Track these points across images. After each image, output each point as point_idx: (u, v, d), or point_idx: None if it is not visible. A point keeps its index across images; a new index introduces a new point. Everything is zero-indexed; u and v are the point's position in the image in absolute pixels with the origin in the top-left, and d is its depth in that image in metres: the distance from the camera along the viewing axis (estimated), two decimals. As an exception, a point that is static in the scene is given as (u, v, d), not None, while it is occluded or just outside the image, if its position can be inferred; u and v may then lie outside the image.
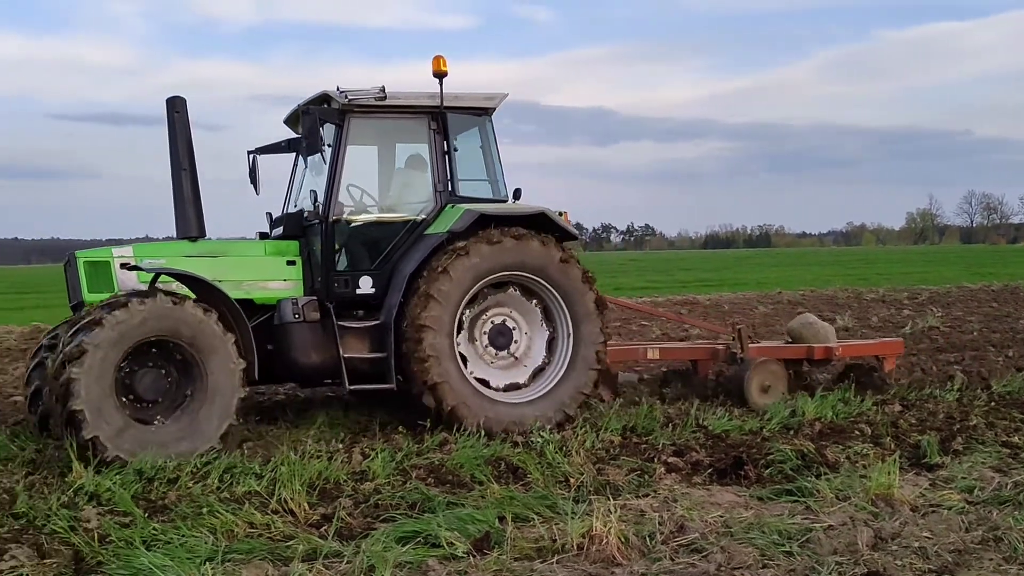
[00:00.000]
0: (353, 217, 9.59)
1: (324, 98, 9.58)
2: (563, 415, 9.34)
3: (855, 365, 11.60)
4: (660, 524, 6.09)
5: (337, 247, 9.42)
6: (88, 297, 8.79)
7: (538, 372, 9.62)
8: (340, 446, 8.56)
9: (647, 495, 7.02)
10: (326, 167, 9.44)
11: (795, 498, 6.82)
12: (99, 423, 7.74)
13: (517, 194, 10.02)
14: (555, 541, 5.83)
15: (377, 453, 8.10)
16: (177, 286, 8.68)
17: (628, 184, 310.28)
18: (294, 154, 10.52)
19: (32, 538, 6.11)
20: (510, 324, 9.59)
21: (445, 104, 9.52)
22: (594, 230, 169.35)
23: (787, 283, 34.36)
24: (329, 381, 9.37)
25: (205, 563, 5.48)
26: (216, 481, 7.35)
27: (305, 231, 9.58)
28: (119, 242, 9.56)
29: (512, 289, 9.54)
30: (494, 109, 9.99)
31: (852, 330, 17.93)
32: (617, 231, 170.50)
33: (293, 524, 6.42)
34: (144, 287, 8.59)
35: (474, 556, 5.69)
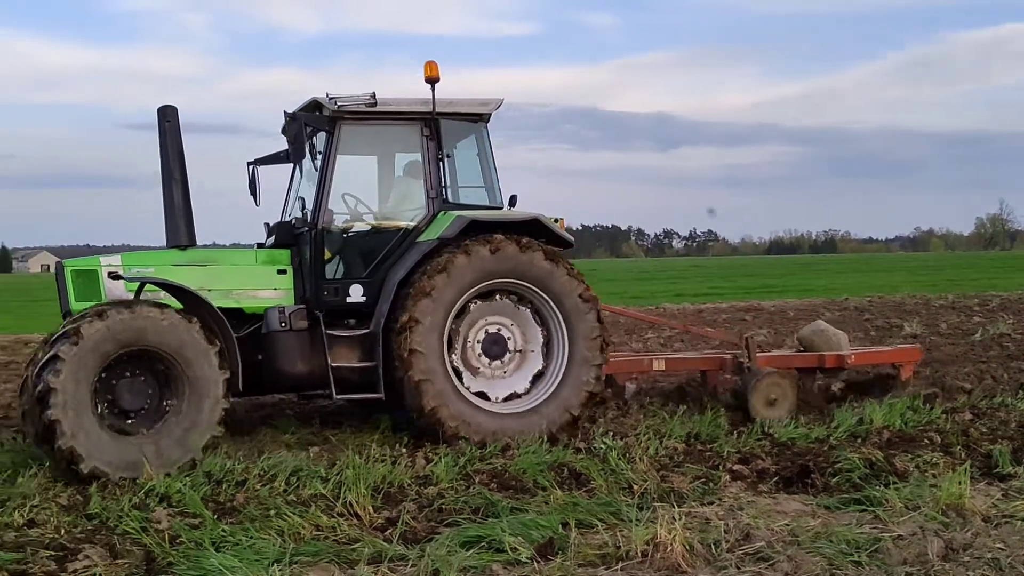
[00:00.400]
0: (342, 225, 9.54)
1: (315, 105, 9.47)
2: (569, 416, 9.22)
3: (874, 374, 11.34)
4: (725, 532, 6.04)
5: (327, 255, 9.33)
6: (75, 306, 8.67)
7: (538, 377, 9.46)
8: (404, 450, 8.61)
9: (712, 503, 6.97)
10: (316, 174, 9.36)
11: (863, 507, 6.72)
12: (76, 433, 7.62)
13: (513, 201, 9.92)
14: (619, 548, 5.81)
15: (440, 457, 8.15)
16: (165, 296, 8.62)
17: (690, 189, 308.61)
18: (292, 164, 10.41)
19: (105, 538, 6.25)
20: (503, 332, 9.42)
21: (438, 110, 9.37)
22: (656, 236, 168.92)
23: (854, 289, 33.92)
24: (321, 391, 9.27)
25: (273, 565, 5.56)
26: (283, 484, 7.44)
27: (296, 239, 9.50)
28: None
29: (499, 297, 9.37)
30: (489, 115, 9.85)
31: (921, 337, 17.63)
32: (679, 236, 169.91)
33: (358, 527, 6.49)
34: (131, 296, 8.53)
35: (538, 562, 5.69)
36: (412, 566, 5.62)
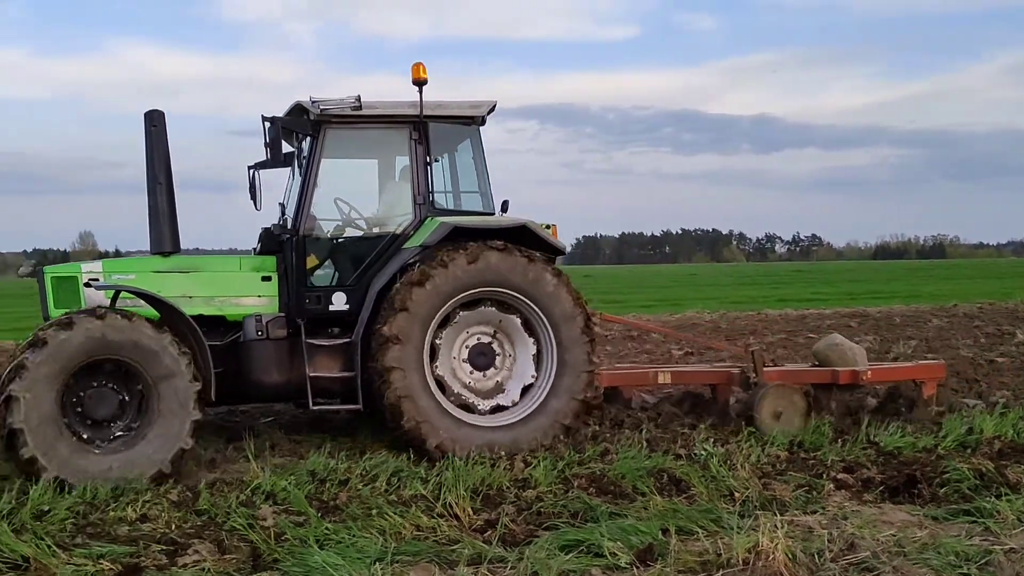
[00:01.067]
0: (326, 232, 9.38)
1: (301, 109, 9.19)
2: (560, 426, 8.91)
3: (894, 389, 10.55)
4: (829, 541, 5.93)
5: (312, 263, 9.13)
6: (53, 313, 8.60)
7: (527, 390, 9.08)
8: (502, 453, 8.63)
9: (815, 512, 6.84)
10: (300, 180, 9.18)
11: (973, 519, 6.53)
12: (39, 443, 7.53)
13: (505, 206, 9.61)
14: (720, 555, 5.74)
15: (539, 461, 8.17)
16: (145, 305, 8.48)
17: (793, 193, 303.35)
18: (286, 167, 9.95)
19: (213, 534, 6.43)
20: (491, 342, 9.12)
21: (426, 113, 9.07)
22: (758, 240, 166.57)
23: (963, 295, 32.93)
24: (299, 401, 9.17)
25: (375, 563, 5.65)
26: (384, 484, 7.57)
27: (282, 246, 9.24)
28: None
29: (487, 306, 8.99)
30: (481, 118, 9.45)
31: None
32: (782, 241, 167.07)
33: (458, 528, 6.54)
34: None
35: (637, 567, 5.67)
36: (511, 568, 5.65)
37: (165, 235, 8.98)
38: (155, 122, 8.88)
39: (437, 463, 8.24)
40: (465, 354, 9.04)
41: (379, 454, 8.57)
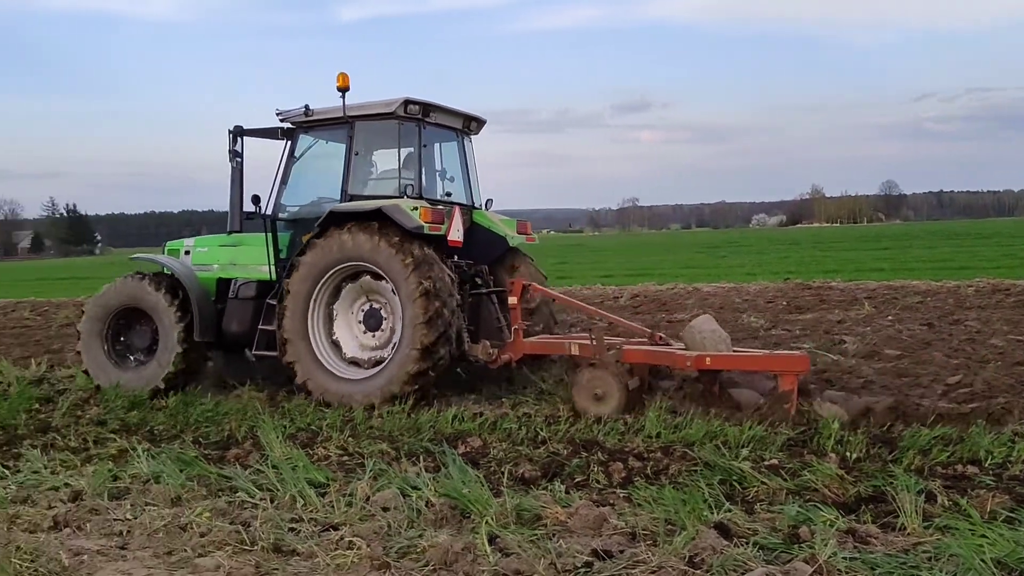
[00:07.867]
0: (289, 215, 11.34)
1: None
2: (390, 391, 9.91)
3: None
4: None
5: (293, 239, 11.26)
6: None
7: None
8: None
9: None
10: (279, 173, 11.11)
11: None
12: (93, 368, 11.46)
13: (409, 191, 10.83)
14: None
15: None
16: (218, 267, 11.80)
17: None
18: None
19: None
20: (377, 306, 10.62)
21: (349, 114, 10.75)
22: None
23: None
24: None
25: None
26: None
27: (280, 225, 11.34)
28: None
29: (366, 277, 10.53)
30: (394, 113, 10.75)
31: None
32: None
33: None
34: (196, 268, 11.76)
35: None
36: None
37: (235, 219, 11.69)
38: (238, 134, 11.49)
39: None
40: (360, 317, 10.78)
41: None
